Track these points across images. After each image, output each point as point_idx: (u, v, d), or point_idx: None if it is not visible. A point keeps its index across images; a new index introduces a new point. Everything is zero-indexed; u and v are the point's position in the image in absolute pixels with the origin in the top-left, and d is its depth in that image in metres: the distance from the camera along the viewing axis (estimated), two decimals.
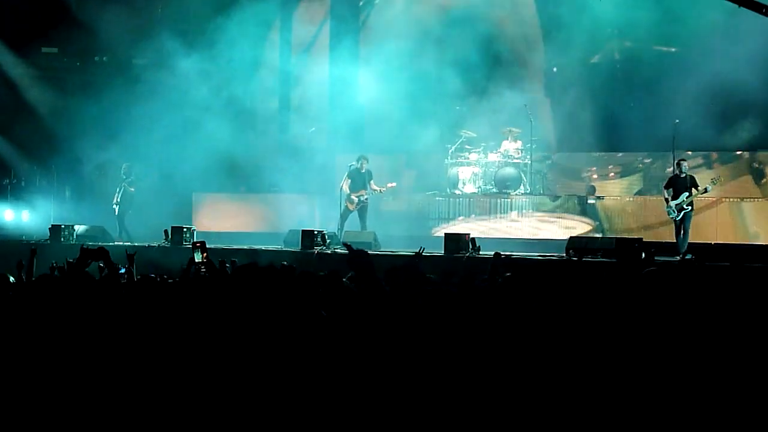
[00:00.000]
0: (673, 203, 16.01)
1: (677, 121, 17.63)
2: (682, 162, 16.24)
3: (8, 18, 22.80)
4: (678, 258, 15.34)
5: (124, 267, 7.61)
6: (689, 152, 18.82)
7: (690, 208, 15.93)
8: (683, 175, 15.99)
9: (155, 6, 24.27)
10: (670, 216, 16.16)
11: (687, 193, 15.87)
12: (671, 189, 16.13)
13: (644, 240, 15.88)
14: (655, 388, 3.14)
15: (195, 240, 6.76)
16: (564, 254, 15.42)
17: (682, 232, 15.89)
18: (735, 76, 17.56)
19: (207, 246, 7.41)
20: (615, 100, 20.03)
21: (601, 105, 20.28)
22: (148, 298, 5.04)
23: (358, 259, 4.35)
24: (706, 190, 15.96)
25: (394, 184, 18.67)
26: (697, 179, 16.08)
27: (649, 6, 19.17)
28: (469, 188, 20.36)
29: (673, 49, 19.93)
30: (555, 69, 21.59)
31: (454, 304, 3.80)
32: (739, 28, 17.66)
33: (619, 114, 19.81)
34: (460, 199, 20.23)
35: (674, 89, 18.50)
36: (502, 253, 12.45)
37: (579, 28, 19.87)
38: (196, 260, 6.45)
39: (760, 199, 18.65)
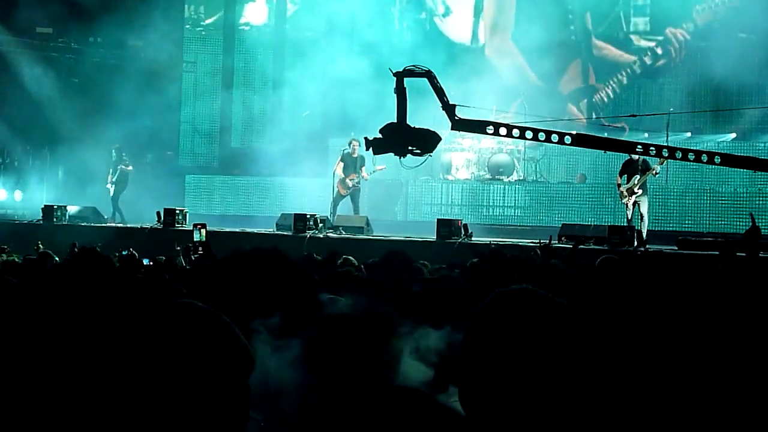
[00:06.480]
0: (624, 187, 15.59)
1: (672, 109, 17.62)
2: None
3: None
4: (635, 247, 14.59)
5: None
6: (689, 134, 18.90)
7: (641, 192, 15.40)
8: (636, 159, 15.20)
9: None
10: (623, 201, 15.70)
11: (638, 176, 15.32)
12: (625, 174, 15.59)
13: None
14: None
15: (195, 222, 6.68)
16: (557, 241, 15.39)
17: (639, 216, 15.37)
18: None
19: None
20: (611, 85, 20.07)
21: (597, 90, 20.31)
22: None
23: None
24: (657, 173, 15.39)
25: (383, 167, 18.15)
26: (650, 162, 15.20)
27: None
28: (463, 174, 20.34)
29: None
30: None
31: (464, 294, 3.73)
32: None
33: (613, 98, 19.86)
34: (453, 184, 20.20)
35: (670, 77, 18.63)
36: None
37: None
38: (195, 239, 6.41)
39: None
